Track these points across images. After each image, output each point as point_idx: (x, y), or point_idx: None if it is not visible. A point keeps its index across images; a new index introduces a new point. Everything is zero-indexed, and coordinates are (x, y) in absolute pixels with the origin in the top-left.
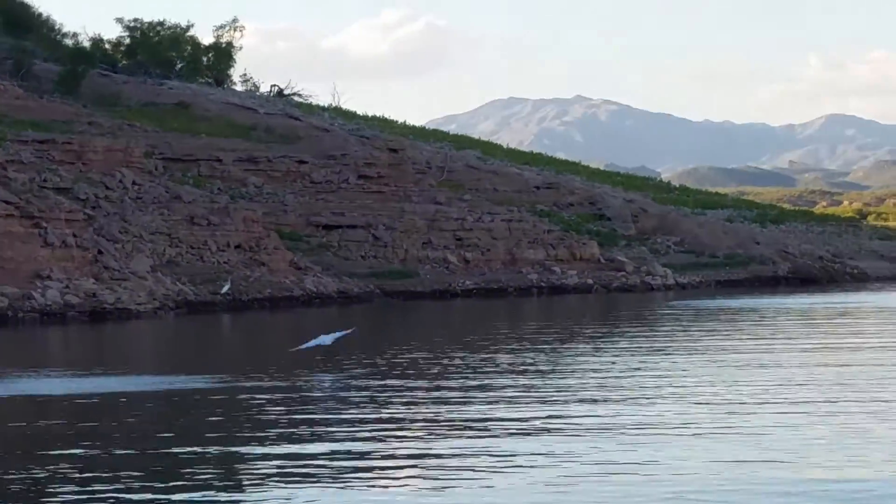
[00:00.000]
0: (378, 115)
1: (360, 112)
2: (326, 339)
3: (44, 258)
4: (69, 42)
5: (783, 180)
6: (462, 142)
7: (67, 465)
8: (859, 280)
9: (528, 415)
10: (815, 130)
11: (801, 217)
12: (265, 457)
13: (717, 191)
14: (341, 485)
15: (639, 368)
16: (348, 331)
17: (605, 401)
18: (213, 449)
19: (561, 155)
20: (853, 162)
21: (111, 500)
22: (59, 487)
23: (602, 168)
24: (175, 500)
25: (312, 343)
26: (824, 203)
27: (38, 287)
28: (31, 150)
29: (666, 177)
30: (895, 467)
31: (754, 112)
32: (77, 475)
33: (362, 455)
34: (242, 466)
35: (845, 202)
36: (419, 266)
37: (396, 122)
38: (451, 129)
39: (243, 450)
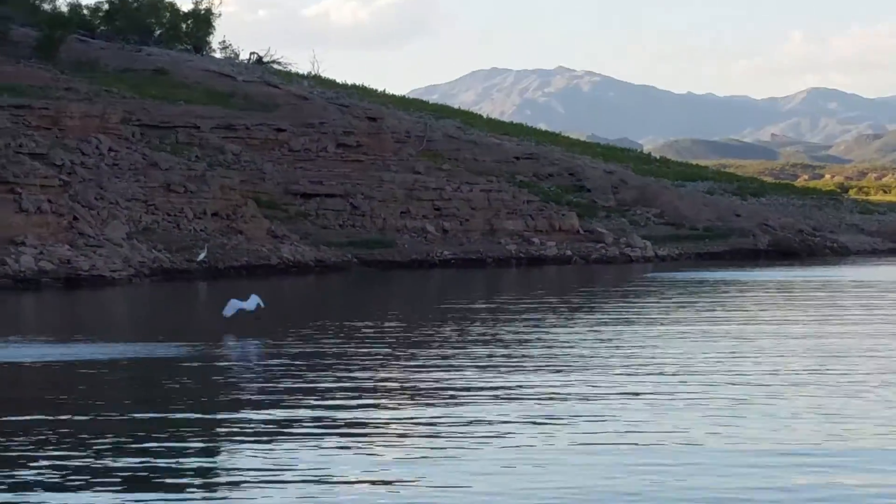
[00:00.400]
0: (358, 84)
1: (339, 80)
2: (251, 305)
3: (18, 224)
4: (47, 7)
5: (765, 153)
6: (442, 111)
7: (40, 433)
8: (839, 254)
9: (499, 383)
10: (798, 104)
11: (782, 190)
12: (242, 421)
13: (699, 163)
14: (320, 451)
15: (610, 339)
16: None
17: (577, 370)
18: (190, 415)
19: (543, 126)
20: (835, 136)
21: (84, 466)
22: (33, 453)
23: (584, 139)
24: (149, 466)
25: (238, 307)
26: (806, 176)
27: (11, 253)
28: (6, 116)
29: (648, 149)
30: (864, 440)
31: (736, 85)
32: (50, 443)
33: (337, 422)
34: (218, 431)
35: (827, 176)
36: (397, 235)
37: (376, 90)
38: (433, 98)
39: (220, 416)
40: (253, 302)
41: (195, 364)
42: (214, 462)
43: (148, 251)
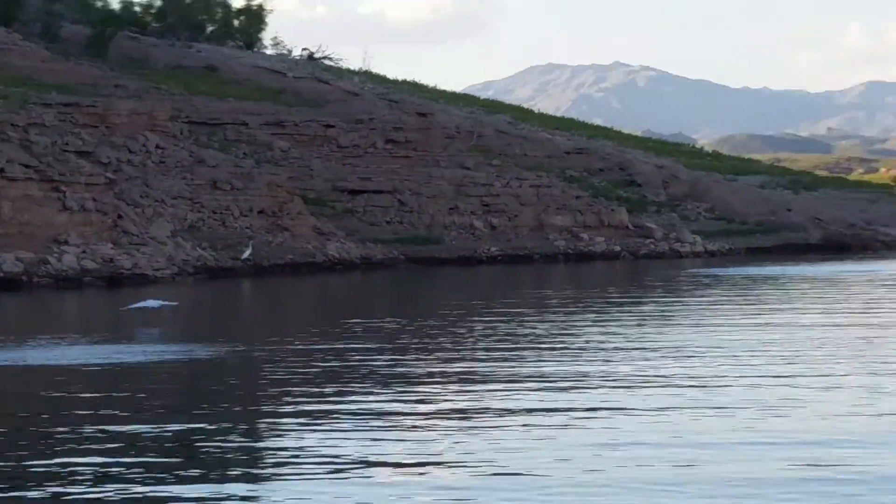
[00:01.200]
0: (409, 80)
1: (390, 76)
2: (154, 303)
3: (62, 223)
4: (99, 4)
5: (821, 147)
6: (494, 107)
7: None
8: (892, 248)
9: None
10: (854, 97)
11: (835, 184)
12: (283, 414)
13: (754, 158)
14: (362, 438)
15: (639, 334)
16: (173, 303)
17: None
18: (234, 409)
19: (598, 121)
20: (892, 129)
21: (128, 462)
22: (75, 459)
23: (639, 135)
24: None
25: (140, 304)
26: (861, 170)
27: (54, 252)
28: (54, 113)
29: (703, 143)
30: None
31: (793, 79)
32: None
33: (376, 410)
34: (259, 424)
35: (882, 169)
36: (445, 232)
37: (427, 86)
38: (489, 94)
39: (266, 408)
40: (155, 302)
41: (237, 363)
42: (258, 451)
43: (192, 249)
